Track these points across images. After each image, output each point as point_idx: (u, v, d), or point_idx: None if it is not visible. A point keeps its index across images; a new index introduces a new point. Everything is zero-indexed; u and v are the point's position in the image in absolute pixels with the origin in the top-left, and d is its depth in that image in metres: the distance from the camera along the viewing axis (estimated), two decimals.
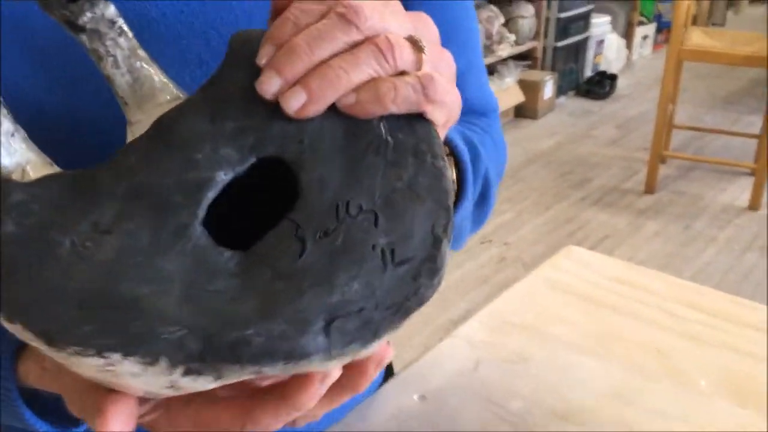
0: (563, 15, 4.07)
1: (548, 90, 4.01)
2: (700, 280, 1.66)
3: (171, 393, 0.28)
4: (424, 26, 0.35)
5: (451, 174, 0.34)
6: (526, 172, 3.30)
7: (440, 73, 0.34)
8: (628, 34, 4.92)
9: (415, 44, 0.33)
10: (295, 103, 0.32)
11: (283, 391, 0.29)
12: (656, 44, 5.27)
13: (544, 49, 4.15)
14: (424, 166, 0.32)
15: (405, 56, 0.33)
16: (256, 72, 0.33)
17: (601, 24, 4.45)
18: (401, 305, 0.28)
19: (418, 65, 0.33)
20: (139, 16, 0.43)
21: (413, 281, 0.29)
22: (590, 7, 4.27)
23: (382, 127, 0.33)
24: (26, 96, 0.42)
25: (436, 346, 0.73)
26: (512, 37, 3.88)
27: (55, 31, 0.35)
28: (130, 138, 0.34)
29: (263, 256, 0.29)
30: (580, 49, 4.35)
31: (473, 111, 0.61)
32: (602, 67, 4.55)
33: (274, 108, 0.32)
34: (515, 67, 3.96)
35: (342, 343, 0.27)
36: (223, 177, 0.31)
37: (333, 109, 0.33)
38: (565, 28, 4.13)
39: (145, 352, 0.25)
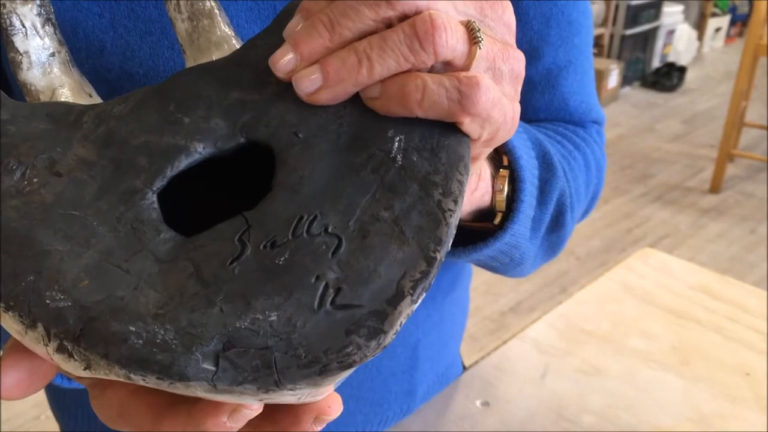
0: (634, 2, 3.94)
1: (613, 79, 3.88)
2: (763, 287, 1.58)
3: (58, 366, 0.25)
4: (495, 13, 0.28)
5: (455, 221, 0.26)
6: None
7: (496, 78, 0.28)
8: (700, 25, 4.74)
9: (471, 32, 0.27)
10: (308, 85, 0.27)
11: (191, 409, 0.25)
12: (728, 37, 5.07)
13: (611, 37, 4.02)
14: (426, 203, 0.26)
15: (451, 44, 0.26)
16: None
17: (673, 13, 4.29)
18: (318, 360, 0.23)
19: (467, 61, 0.27)
20: None
21: (345, 335, 0.23)
22: None
23: (396, 141, 0.27)
24: (88, 34, 0.40)
25: (500, 348, 0.68)
26: None
27: None
28: None
29: (196, 249, 0.25)
30: (649, 38, 4.20)
31: (568, 118, 0.55)
32: (671, 59, 4.39)
33: (285, 87, 0.28)
34: None
35: (231, 380, 0.23)
36: (201, 150, 0.28)
37: (355, 101, 0.28)
38: (635, 16, 3.99)
39: (24, 311, 0.24)
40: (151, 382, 0.23)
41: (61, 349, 0.24)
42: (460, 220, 0.43)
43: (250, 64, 0.30)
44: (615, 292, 0.75)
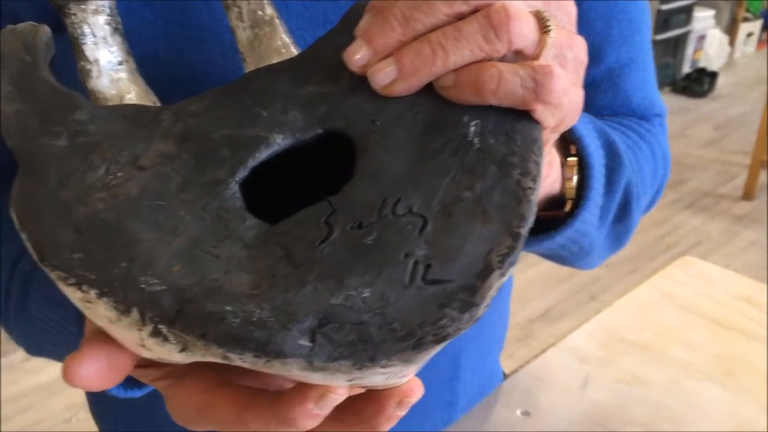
0: (665, 7, 3.89)
1: None
2: None
3: (148, 355, 0.25)
4: (558, 6, 0.29)
5: (535, 199, 0.26)
6: None
7: (562, 65, 0.28)
8: (731, 30, 4.67)
9: (541, 21, 0.28)
10: (383, 78, 0.28)
11: (276, 400, 0.26)
12: (760, 42, 4.99)
13: None
14: (506, 182, 0.26)
15: (524, 33, 0.27)
16: None
17: (703, 18, 4.23)
18: (413, 333, 0.23)
19: (539, 49, 0.28)
20: None
21: (438, 309, 0.23)
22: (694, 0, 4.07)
23: (472, 126, 0.28)
24: (142, 42, 0.40)
25: (540, 357, 0.68)
26: None
27: None
28: None
29: (283, 234, 0.26)
30: (679, 43, 4.15)
31: (632, 113, 0.55)
32: (702, 64, 4.33)
33: (359, 80, 0.29)
34: None
35: (327, 355, 0.23)
36: (280, 141, 0.29)
37: (428, 90, 0.29)
38: (665, 21, 3.95)
39: (119, 297, 0.24)
40: (248, 360, 0.23)
41: (155, 333, 0.24)
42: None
43: (321, 61, 0.31)
44: (655, 300, 0.74)
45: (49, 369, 1.97)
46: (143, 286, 0.24)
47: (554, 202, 0.44)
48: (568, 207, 0.43)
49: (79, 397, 1.86)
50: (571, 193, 0.43)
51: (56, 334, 0.43)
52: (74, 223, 0.26)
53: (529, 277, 2.40)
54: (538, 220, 0.44)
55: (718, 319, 0.70)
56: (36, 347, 0.47)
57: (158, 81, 0.40)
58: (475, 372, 0.62)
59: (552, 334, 2.14)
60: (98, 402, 0.61)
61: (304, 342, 0.23)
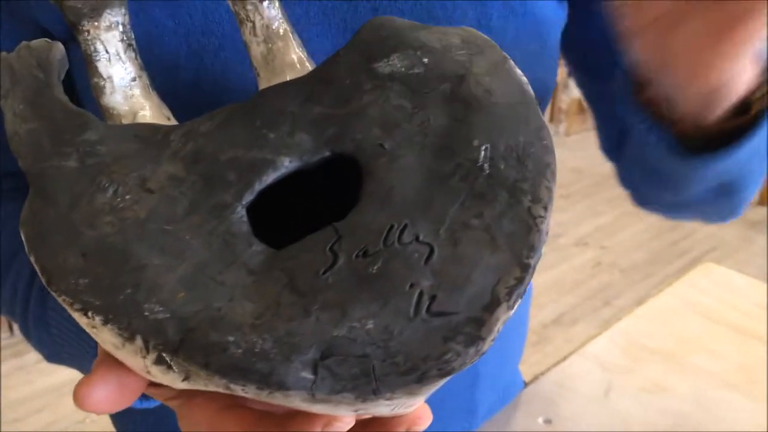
0: None
1: None
2: None
3: (153, 379, 0.25)
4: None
5: (546, 228, 0.26)
6: None
7: None
8: None
9: None
10: None
11: (283, 422, 0.26)
12: None
13: None
14: (516, 210, 0.25)
15: None
16: (373, 62, 0.30)
17: None
18: (417, 368, 0.23)
19: None
20: None
21: (443, 342, 0.23)
22: None
23: (482, 150, 0.27)
24: (163, 50, 0.40)
25: (561, 364, 0.67)
26: None
27: None
28: None
29: (288, 260, 0.26)
30: None
31: None
32: None
33: (368, 102, 0.29)
34: None
35: (329, 389, 0.23)
36: (288, 164, 0.28)
37: (438, 113, 0.28)
38: None
39: (123, 324, 0.24)
40: (250, 391, 0.23)
41: (159, 361, 0.24)
42: (700, 126, 0.40)
43: (332, 80, 0.30)
44: (677, 308, 0.73)
45: (62, 370, 1.97)
46: (147, 313, 0.24)
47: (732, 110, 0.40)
48: (754, 110, 0.39)
49: None
50: (760, 103, 0.39)
51: (74, 344, 0.43)
52: (81, 246, 0.26)
53: (543, 282, 2.39)
54: (710, 137, 0.40)
55: (742, 328, 0.70)
56: (55, 355, 0.47)
57: (178, 88, 0.40)
58: (495, 379, 0.61)
59: (566, 339, 2.13)
60: None
61: (307, 374, 0.23)
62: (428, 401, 0.28)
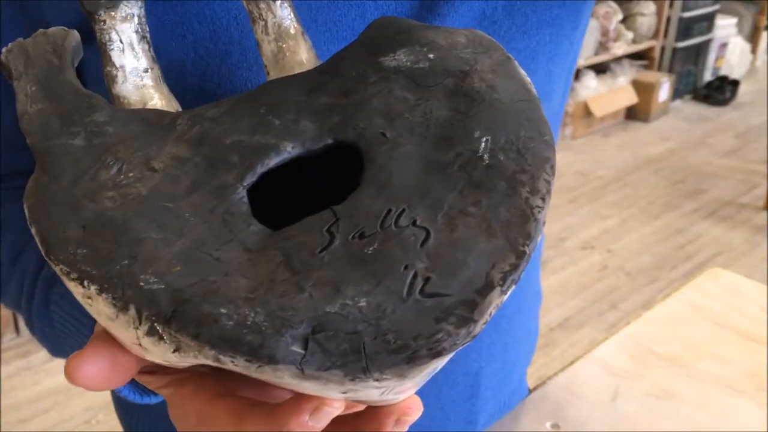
0: (686, 14, 3.87)
1: (663, 92, 3.82)
2: None
3: (145, 356, 0.26)
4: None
5: (543, 218, 0.26)
6: (635, 178, 3.15)
7: None
8: (753, 38, 4.63)
9: None
10: None
11: (273, 409, 0.26)
12: None
13: (663, 50, 3.95)
14: (514, 200, 0.26)
15: None
16: (379, 56, 0.31)
17: (726, 26, 4.20)
18: (407, 346, 0.23)
19: None
20: None
21: (435, 322, 0.23)
22: (716, 7, 4.04)
23: (483, 141, 0.27)
24: (170, 55, 0.40)
25: (568, 369, 0.67)
26: (629, 35, 3.72)
27: None
28: None
29: (285, 240, 0.26)
30: (701, 51, 4.12)
31: None
32: (723, 72, 4.30)
33: (372, 93, 0.30)
34: (630, 67, 3.79)
35: (319, 364, 0.23)
36: (290, 150, 0.29)
37: (440, 105, 0.29)
38: (687, 29, 3.93)
39: (118, 293, 0.24)
40: (239, 364, 0.23)
41: (151, 332, 0.24)
42: None
43: (338, 73, 0.31)
44: (684, 313, 0.73)
45: None
46: (142, 284, 0.24)
47: None
48: None
49: (98, 399, 1.87)
50: None
51: (74, 337, 0.43)
52: (82, 219, 0.26)
53: (549, 286, 2.38)
54: None
55: (749, 333, 0.69)
56: (57, 349, 0.48)
57: (183, 93, 0.40)
58: (497, 390, 0.61)
59: (572, 342, 2.12)
60: (122, 403, 0.62)
61: (297, 348, 0.23)
62: (426, 411, 0.28)
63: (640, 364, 0.66)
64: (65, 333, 0.44)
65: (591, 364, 0.67)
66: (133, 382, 0.39)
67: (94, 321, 0.40)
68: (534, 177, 0.26)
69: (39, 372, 1.98)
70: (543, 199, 0.26)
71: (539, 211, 0.25)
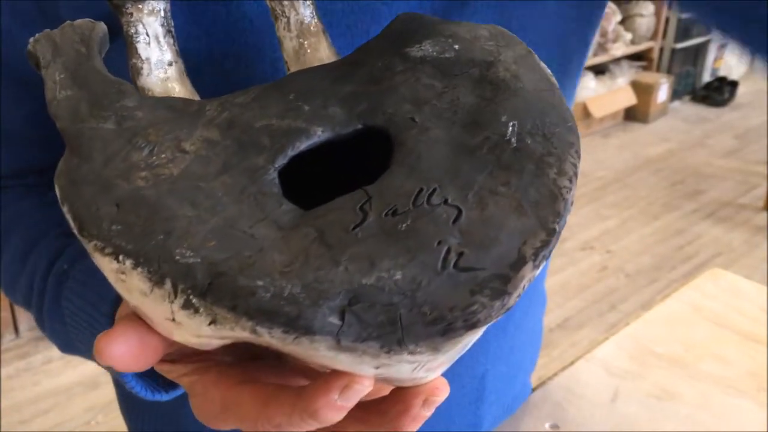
0: (685, 15, 3.87)
1: (662, 93, 3.82)
2: None
3: (177, 334, 0.26)
4: None
5: (571, 199, 0.26)
6: (634, 179, 3.15)
7: None
8: None
9: None
10: None
11: (301, 390, 0.25)
12: None
13: (661, 50, 3.96)
14: (542, 180, 0.26)
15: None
16: (405, 47, 0.31)
17: None
18: (443, 318, 0.23)
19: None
20: None
21: (470, 295, 0.23)
22: None
23: (510, 126, 0.28)
24: (186, 57, 0.40)
25: (568, 369, 0.67)
26: (628, 36, 3.72)
27: None
28: None
29: (318, 218, 0.26)
30: (699, 51, 4.13)
31: None
32: (722, 73, 4.31)
33: (399, 81, 0.30)
34: (629, 68, 3.79)
35: (356, 335, 0.23)
36: (320, 134, 0.29)
37: (467, 91, 0.29)
38: (686, 29, 3.93)
39: (153, 267, 0.24)
40: (276, 335, 0.23)
41: (186, 305, 0.24)
42: None
43: (363, 63, 0.32)
44: (685, 313, 0.73)
45: (69, 372, 1.98)
46: (178, 257, 0.24)
47: None
48: None
49: (98, 399, 1.87)
50: None
51: (87, 333, 0.43)
52: (115, 197, 0.26)
53: (549, 287, 2.38)
54: None
55: (749, 333, 0.70)
56: (68, 345, 0.48)
57: (199, 94, 0.40)
58: (501, 393, 0.61)
59: (572, 343, 2.13)
60: (127, 402, 0.62)
61: (334, 320, 0.23)
62: (434, 415, 0.28)
63: (640, 365, 0.66)
64: (77, 329, 0.44)
65: (591, 365, 0.67)
66: (144, 379, 0.39)
67: (107, 316, 0.40)
68: (561, 159, 0.27)
69: (39, 373, 1.98)
70: (570, 180, 0.27)
71: (567, 191, 0.26)
